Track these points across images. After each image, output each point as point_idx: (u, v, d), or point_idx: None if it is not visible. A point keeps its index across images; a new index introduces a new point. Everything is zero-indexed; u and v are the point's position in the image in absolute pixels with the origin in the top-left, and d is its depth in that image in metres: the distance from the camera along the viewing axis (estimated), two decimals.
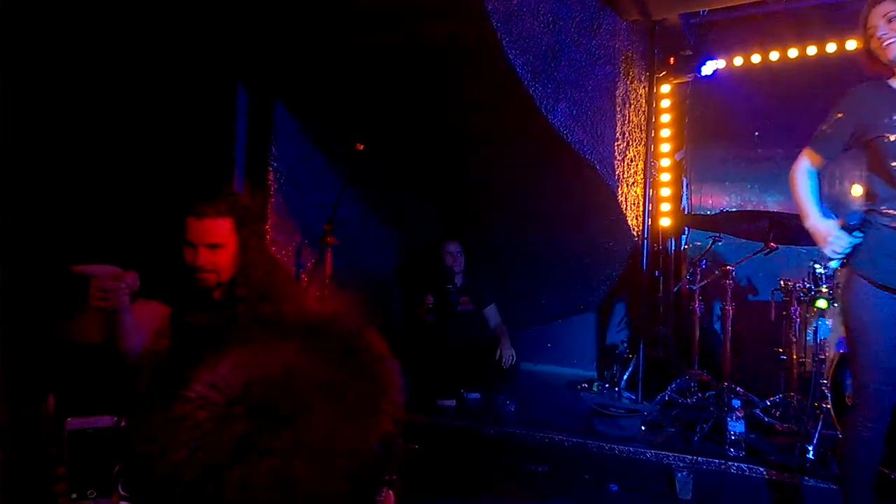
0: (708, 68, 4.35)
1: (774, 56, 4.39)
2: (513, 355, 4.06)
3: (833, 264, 2.22)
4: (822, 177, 2.33)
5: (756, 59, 4.44)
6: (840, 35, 4.16)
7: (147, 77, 3.81)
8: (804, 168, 2.29)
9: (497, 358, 4.04)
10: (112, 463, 0.90)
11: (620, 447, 3.13)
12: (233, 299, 2.11)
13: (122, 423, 0.51)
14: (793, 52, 4.34)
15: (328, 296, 3.55)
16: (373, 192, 4.42)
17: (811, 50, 4.28)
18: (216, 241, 2.05)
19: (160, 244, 2.23)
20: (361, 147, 3.58)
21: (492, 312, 4.38)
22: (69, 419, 0.98)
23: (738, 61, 4.48)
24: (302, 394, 0.49)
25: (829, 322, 3.17)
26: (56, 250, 3.76)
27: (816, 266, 3.33)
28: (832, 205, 4.29)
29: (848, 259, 2.16)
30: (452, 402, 3.78)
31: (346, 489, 0.49)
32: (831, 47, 4.21)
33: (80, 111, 4.00)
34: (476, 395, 3.98)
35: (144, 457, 0.48)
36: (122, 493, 0.51)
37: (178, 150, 4.01)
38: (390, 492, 0.54)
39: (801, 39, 4.29)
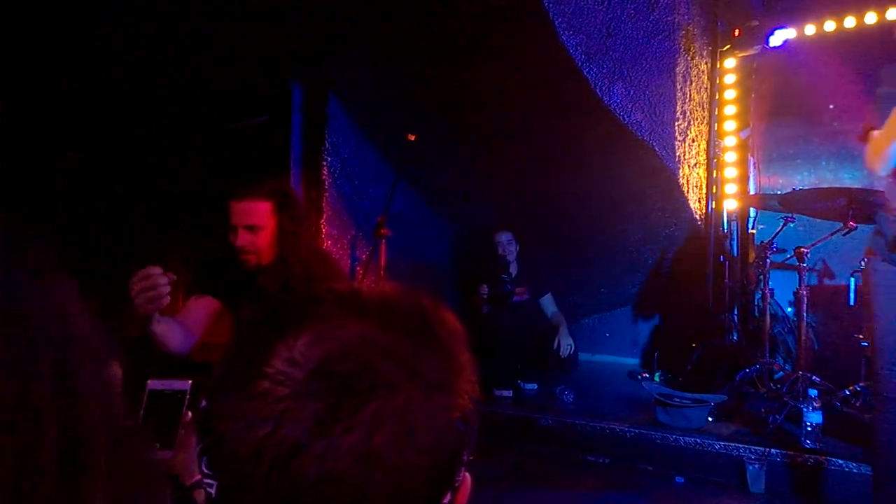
0: (777, 39, 4.09)
1: (850, 22, 4.08)
2: (571, 344, 3.97)
3: None
4: None
5: (830, 26, 4.15)
6: None
7: (209, 76, 3.94)
8: None
9: (555, 347, 3.96)
10: (178, 421, 1.00)
11: (686, 438, 3.01)
12: (278, 287, 2.14)
13: (204, 404, 0.52)
14: (871, 17, 4.03)
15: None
16: (426, 184, 4.42)
17: (891, 13, 3.96)
18: (254, 223, 2.10)
19: (216, 238, 2.29)
20: (413, 138, 3.58)
21: (548, 302, 4.30)
22: (150, 380, 1.10)
23: (809, 30, 4.20)
24: (381, 369, 0.48)
25: None
26: (103, 247, 3.96)
27: None
28: None
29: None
30: (509, 393, 3.74)
31: (428, 467, 0.48)
32: None
33: (143, 107, 4.18)
34: (533, 386, 3.92)
35: (228, 434, 0.48)
36: (205, 470, 0.50)
37: (239, 146, 4.14)
38: (467, 474, 0.53)
39: (880, 3, 3.97)
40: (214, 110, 4.14)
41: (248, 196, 2.11)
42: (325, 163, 3.94)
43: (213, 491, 0.50)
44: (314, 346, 0.48)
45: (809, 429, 2.88)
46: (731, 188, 4.35)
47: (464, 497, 0.53)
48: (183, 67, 3.89)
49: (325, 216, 3.88)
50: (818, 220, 3.63)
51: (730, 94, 4.36)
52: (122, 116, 4.25)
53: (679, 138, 3.87)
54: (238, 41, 3.65)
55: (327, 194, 3.92)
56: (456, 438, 0.51)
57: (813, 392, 3.01)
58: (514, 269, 4.22)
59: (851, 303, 3.46)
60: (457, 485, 0.51)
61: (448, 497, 0.51)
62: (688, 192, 3.95)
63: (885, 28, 3.94)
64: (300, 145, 3.99)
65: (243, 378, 0.49)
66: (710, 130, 4.04)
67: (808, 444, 2.85)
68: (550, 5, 3.10)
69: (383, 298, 0.54)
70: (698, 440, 2.99)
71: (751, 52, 4.28)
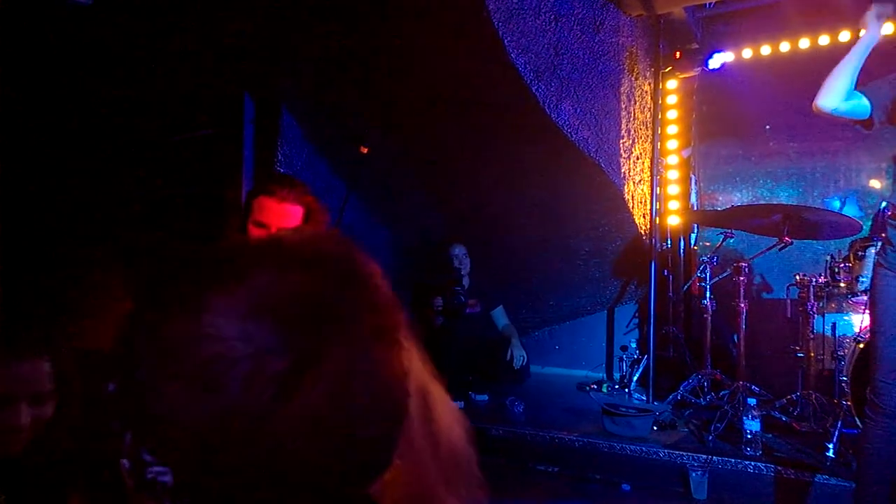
0: (715, 61, 4.27)
1: (785, 47, 4.29)
2: (524, 355, 4.02)
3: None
4: None
5: (766, 50, 4.35)
6: (853, 23, 4.06)
7: (159, 88, 3.88)
8: None
9: (508, 359, 4.00)
10: None
11: (632, 447, 3.07)
12: None
13: (112, 387, 0.47)
14: (804, 43, 4.24)
15: None
16: (378, 196, 4.42)
17: (823, 39, 4.18)
18: (289, 226, 2.05)
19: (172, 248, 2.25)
20: (366, 150, 3.58)
21: (499, 314, 4.34)
22: None
23: (747, 54, 4.39)
24: (326, 318, 0.44)
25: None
26: (64, 256, 3.83)
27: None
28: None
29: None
30: (461, 405, 3.75)
31: (380, 422, 0.46)
32: (844, 36, 4.11)
33: (98, 122, 4.08)
34: (484, 397, 3.95)
35: (171, 413, 0.43)
36: (148, 459, 0.45)
37: (189, 159, 4.07)
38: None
39: (813, 29, 4.19)
40: (164, 122, 4.07)
41: (288, 198, 2.07)
42: None
43: (167, 479, 0.44)
44: (254, 301, 0.43)
45: (749, 436, 2.98)
46: (673, 204, 4.49)
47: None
48: (132, 79, 3.81)
49: None
50: (756, 236, 3.79)
51: (672, 114, 4.52)
52: (71, 127, 4.12)
53: (624, 155, 3.99)
54: (189, 52, 3.61)
55: None
56: (401, 385, 0.48)
57: (752, 401, 3.12)
58: (466, 282, 4.25)
59: (788, 315, 3.60)
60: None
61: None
62: (633, 207, 4.06)
63: (820, 51, 4.15)
64: (252, 157, 3.95)
65: (172, 344, 0.43)
66: (653, 149, 4.18)
67: (747, 451, 2.94)
68: (500, 24, 3.17)
69: (305, 247, 0.50)
70: (643, 448, 3.06)
71: (691, 73, 4.45)
